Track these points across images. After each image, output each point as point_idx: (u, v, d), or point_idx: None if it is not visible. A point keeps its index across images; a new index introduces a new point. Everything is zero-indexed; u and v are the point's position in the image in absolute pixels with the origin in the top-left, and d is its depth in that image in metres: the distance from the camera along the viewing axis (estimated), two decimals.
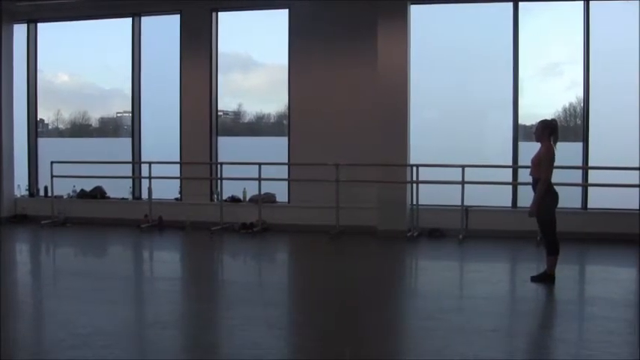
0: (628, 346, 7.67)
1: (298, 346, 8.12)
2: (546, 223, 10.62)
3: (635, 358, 7.18)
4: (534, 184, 10.70)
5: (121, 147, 18.37)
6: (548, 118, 10.83)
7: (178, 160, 17.12)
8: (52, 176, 17.06)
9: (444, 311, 9.32)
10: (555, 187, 10.55)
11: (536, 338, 7.96)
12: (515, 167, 15.12)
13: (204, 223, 16.06)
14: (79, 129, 22.54)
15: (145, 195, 17.24)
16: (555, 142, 10.67)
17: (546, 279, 10.59)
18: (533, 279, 10.71)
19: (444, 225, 14.96)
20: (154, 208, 16.70)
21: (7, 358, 7.21)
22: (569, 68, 15.68)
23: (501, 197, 15.19)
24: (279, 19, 16.48)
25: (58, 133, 21.86)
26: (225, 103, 18.20)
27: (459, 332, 8.27)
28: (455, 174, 14.52)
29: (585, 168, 14.93)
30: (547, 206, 10.54)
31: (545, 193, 10.49)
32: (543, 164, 10.54)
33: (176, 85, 17.14)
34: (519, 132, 15.35)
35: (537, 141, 10.77)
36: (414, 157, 15.16)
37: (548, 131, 10.65)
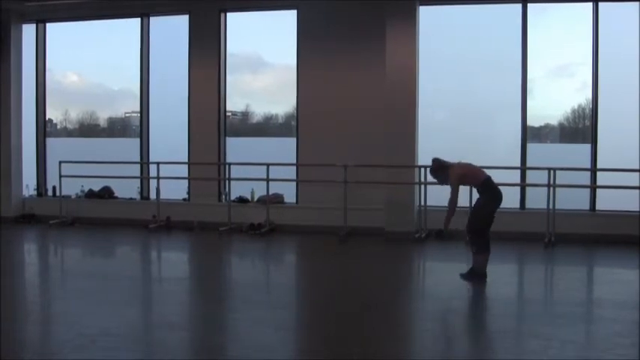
0: (635, 348, 7.65)
1: (306, 348, 8.12)
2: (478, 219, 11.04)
3: None
4: (479, 190, 11.05)
5: (129, 147, 18.40)
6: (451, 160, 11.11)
7: (186, 160, 17.14)
8: (61, 176, 17.10)
9: (452, 313, 9.32)
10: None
11: (544, 339, 7.92)
12: (523, 169, 15.09)
13: (212, 223, 16.07)
14: (88, 129, 22.60)
15: (153, 195, 17.26)
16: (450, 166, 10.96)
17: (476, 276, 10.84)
18: (463, 276, 10.94)
19: (452, 226, 14.86)
20: (162, 209, 16.71)
21: (12, 358, 7.23)
22: (581, 70, 15.61)
23: (509, 199, 15.12)
24: (287, 20, 16.49)
25: (66, 133, 21.91)
26: (234, 103, 18.21)
27: (465, 333, 8.26)
28: None
29: (594, 170, 14.88)
30: (485, 204, 10.94)
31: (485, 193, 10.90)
32: (452, 186, 10.85)
33: (184, 85, 17.15)
34: (528, 133, 15.32)
35: (450, 181, 10.94)
36: (422, 158, 15.12)
37: (442, 170, 10.97)
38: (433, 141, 15.35)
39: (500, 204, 11.00)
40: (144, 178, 17.71)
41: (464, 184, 10.99)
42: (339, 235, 14.95)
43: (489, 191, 10.92)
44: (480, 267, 10.87)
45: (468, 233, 11.16)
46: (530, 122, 15.50)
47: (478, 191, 11.02)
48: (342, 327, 8.64)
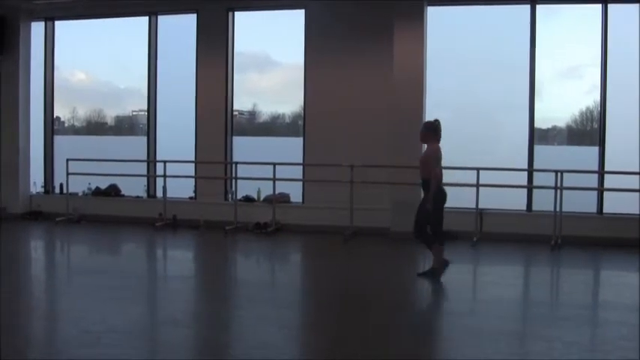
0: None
1: (310, 346, 8.12)
2: (433, 220, 11.21)
3: None
4: (423, 184, 11.24)
5: (137, 145, 18.41)
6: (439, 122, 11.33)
7: (193, 159, 17.14)
8: (68, 173, 17.13)
9: (457, 313, 9.30)
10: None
11: (548, 341, 7.91)
12: (530, 170, 15.05)
13: (218, 222, 16.07)
14: (95, 127, 22.61)
15: (159, 193, 17.27)
16: (438, 141, 11.22)
17: (435, 273, 11.19)
18: (421, 274, 11.42)
19: (458, 227, 14.87)
20: (169, 207, 16.72)
21: (18, 354, 7.25)
22: (590, 71, 15.54)
23: (516, 200, 15.12)
24: (295, 19, 16.49)
25: (73, 130, 21.92)
26: (241, 102, 18.20)
27: (470, 334, 8.25)
28: (469, 176, 14.48)
29: (601, 172, 14.85)
30: (435, 204, 11.07)
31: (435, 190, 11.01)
32: (431, 164, 11.01)
33: (192, 84, 17.16)
34: (535, 135, 15.29)
35: (423, 142, 11.40)
36: None
37: (431, 132, 11.21)
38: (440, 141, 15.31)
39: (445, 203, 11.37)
40: (150, 176, 17.72)
41: (426, 165, 11.11)
42: (345, 235, 14.93)
43: (440, 191, 11.18)
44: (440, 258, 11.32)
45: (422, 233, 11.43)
46: (537, 124, 15.46)
47: (425, 184, 11.17)
48: (347, 327, 8.65)
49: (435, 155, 11.13)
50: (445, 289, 11.02)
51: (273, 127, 21.01)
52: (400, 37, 15.09)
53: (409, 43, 15.08)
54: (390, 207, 15.15)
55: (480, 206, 14.66)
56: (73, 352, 7.39)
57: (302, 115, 16.84)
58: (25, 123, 18.06)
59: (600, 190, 14.84)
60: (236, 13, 17.06)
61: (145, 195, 17.78)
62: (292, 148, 16.84)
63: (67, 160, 17.11)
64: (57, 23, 18.50)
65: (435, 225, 11.31)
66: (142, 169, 17.81)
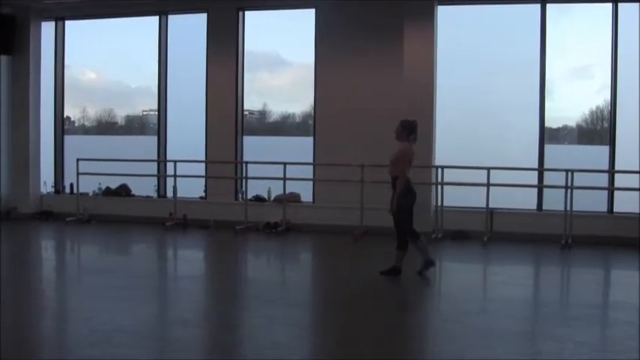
0: None
1: (320, 346, 8.11)
2: (401, 220, 11.17)
3: None
4: (393, 183, 11.17)
5: (147, 145, 18.43)
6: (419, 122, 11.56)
7: (203, 158, 17.15)
8: (78, 173, 17.13)
9: (467, 313, 9.28)
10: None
11: (559, 341, 7.89)
12: (541, 170, 15.02)
13: (228, 222, 16.06)
14: (105, 126, 22.63)
15: (169, 193, 17.27)
16: (414, 142, 11.30)
17: (394, 272, 11.18)
18: (383, 273, 11.24)
19: (468, 227, 14.87)
20: (179, 207, 16.73)
21: (27, 353, 7.27)
22: (601, 70, 15.49)
23: (526, 200, 15.09)
24: (306, 19, 16.47)
25: (84, 130, 21.96)
26: (251, 102, 18.21)
27: (481, 334, 8.23)
28: (479, 176, 14.46)
29: (612, 172, 14.80)
30: (404, 204, 11.06)
31: (403, 190, 11.02)
32: (400, 163, 11.07)
33: (202, 83, 17.16)
34: (545, 134, 15.26)
35: (397, 140, 11.32)
36: (439, 159, 15.10)
37: (407, 131, 11.26)
38: (450, 141, 15.32)
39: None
40: (161, 176, 17.73)
41: (396, 165, 11.16)
42: (355, 235, 14.91)
43: (409, 189, 11.20)
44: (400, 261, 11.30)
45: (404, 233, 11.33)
46: (547, 123, 15.42)
47: (395, 183, 11.13)
48: (357, 326, 8.64)
49: (406, 155, 11.15)
50: (456, 288, 11.01)
51: (284, 127, 21.02)
52: (410, 37, 15.08)
53: (419, 42, 15.07)
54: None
55: (491, 206, 14.63)
56: (82, 352, 7.40)
57: (312, 114, 16.84)
58: (35, 123, 18.11)
59: (611, 189, 14.80)
60: (246, 12, 17.07)
61: (155, 195, 17.79)
62: (302, 147, 16.85)
63: (78, 159, 17.12)
64: (67, 23, 18.54)
65: (401, 227, 11.29)
66: (153, 168, 17.83)
